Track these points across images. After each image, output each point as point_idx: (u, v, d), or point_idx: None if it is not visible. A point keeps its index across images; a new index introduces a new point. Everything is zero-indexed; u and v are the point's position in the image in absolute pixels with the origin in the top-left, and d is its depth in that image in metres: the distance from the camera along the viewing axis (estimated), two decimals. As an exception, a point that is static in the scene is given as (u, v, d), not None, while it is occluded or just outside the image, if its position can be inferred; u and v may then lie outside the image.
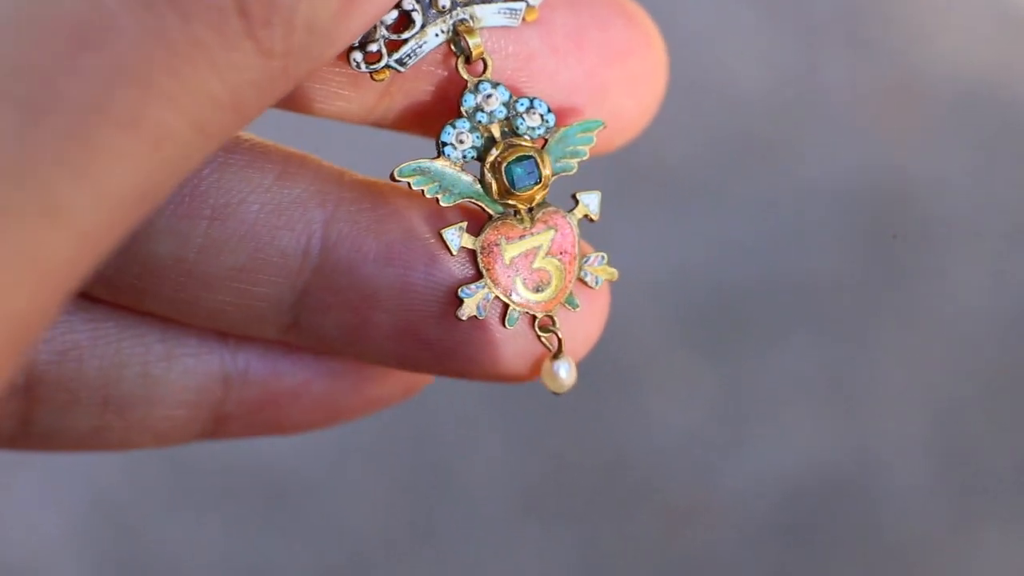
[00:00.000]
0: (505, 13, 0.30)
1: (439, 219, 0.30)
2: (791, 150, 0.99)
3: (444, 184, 0.30)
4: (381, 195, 0.31)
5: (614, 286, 0.32)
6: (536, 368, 0.32)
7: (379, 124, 0.31)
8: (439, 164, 0.30)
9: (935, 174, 0.98)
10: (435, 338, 0.31)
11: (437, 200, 0.30)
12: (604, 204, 0.32)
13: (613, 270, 0.32)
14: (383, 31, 0.29)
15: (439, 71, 0.31)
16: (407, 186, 0.30)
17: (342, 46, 0.26)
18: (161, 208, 0.29)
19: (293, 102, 0.30)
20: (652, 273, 0.92)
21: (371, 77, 0.29)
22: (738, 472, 0.88)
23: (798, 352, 0.92)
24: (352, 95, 0.30)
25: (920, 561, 0.86)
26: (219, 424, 0.33)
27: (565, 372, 0.31)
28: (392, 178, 0.29)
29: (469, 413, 0.88)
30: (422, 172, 0.29)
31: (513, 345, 0.31)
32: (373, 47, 0.29)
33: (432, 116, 0.31)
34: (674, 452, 0.89)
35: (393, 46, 0.29)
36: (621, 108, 0.32)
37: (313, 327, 0.31)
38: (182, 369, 0.32)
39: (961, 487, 0.89)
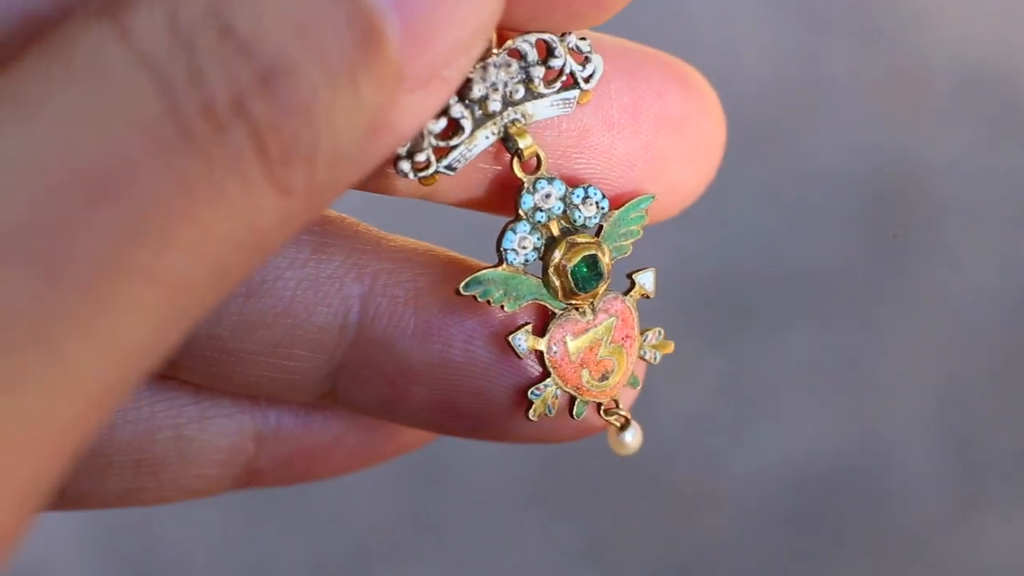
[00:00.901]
0: (559, 105, 0.29)
1: None
2: (795, 137, 0.98)
3: (509, 291, 0.29)
4: (420, 264, 0.30)
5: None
6: (583, 428, 0.32)
7: (428, 199, 0.30)
8: (502, 271, 0.29)
9: (940, 159, 0.98)
10: (474, 411, 0.30)
11: (502, 307, 0.29)
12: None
13: (670, 343, 0.32)
14: (431, 139, 0.27)
15: (492, 166, 0.30)
16: (473, 299, 0.29)
17: (368, 170, 0.24)
18: None
19: None
20: (657, 260, 0.91)
21: (420, 183, 0.28)
22: (744, 459, 0.88)
23: (804, 338, 0.91)
24: (400, 183, 0.29)
25: (927, 545, 0.86)
26: (251, 477, 0.33)
27: (631, 437, 0.32)
28: (457, 292, 0.29)
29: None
30: (486, 282, 0.29)
31: (565, 421, 0.31)
32: (421, 157, 0.28)
33: (485, 200, 0.30)
34: (679, 439, 0.89)
35: (441, 152, 0.28)
36: (680, 177, 0.31)
37: (349, 398, 0.31)
38: (215, 429, 0.32)
39: (968, 471, 0.88)
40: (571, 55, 0.29)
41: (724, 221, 0.95)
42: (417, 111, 0.25)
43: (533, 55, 0.28)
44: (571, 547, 0.87)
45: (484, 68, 0.28)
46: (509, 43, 0.28)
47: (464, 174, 0.29)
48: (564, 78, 0.29)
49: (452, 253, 0.31)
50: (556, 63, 0.28)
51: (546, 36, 0.28)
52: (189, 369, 0.31)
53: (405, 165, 0.28)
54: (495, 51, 0.28)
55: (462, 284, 0.28)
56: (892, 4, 1.04)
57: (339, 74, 0.22)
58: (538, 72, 0.28)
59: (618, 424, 0.31)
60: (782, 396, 0.90)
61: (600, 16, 0.28)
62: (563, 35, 0.28)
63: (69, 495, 0.32)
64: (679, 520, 0.87)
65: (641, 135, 0.30)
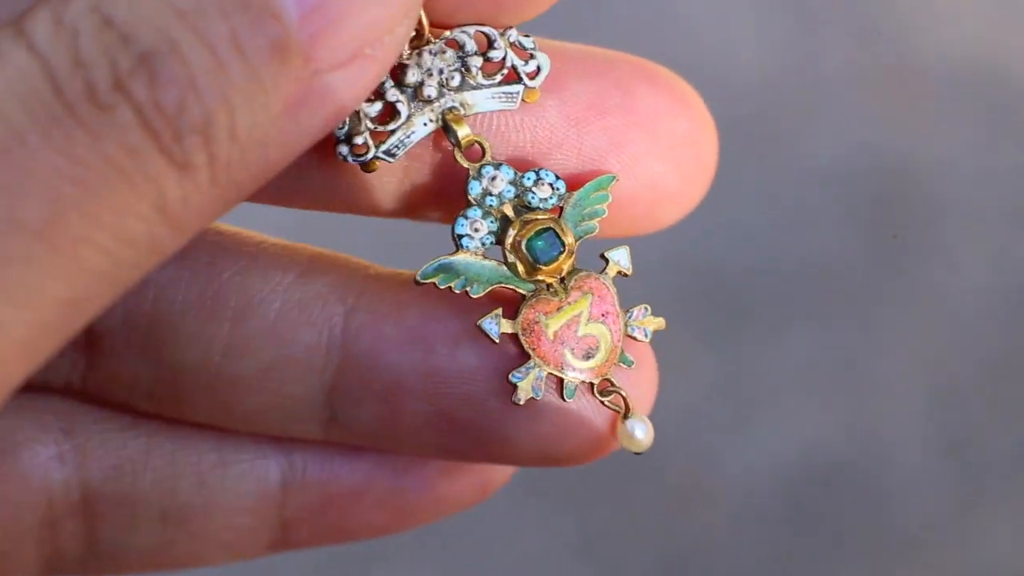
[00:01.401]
0: (500, 97, 0.29)
1: (463, 299, 0.30)
2: (792, 134, 0.99)
3: (470, 276, 0.29)
4: (401, 283, 0.31)
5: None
6: (596, 446, 0.31)
7: (395, 215, 0.31)
8: (460, 257, 0.29)
9: (937, 158, 0.98)
10: (469, 421, 0.30)
11: (467, 293, 0.29)
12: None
13: (660, 319, 0.31)
14: (367, 123, 0.28)
15: (438, 153, 0.30)
16: (433, 286, 0.29)
17: (294, 151, 0.25)
18: (184, 313, 0.30)
19: (288, 198, 0.30)
20: (654, 256, 0.92)
21: (362, 169, 0.29)
22: (741, 456, 0.88)
23: (802, 337, 0.92)
24: (377, 196, 0.30)
25: (923, 544, 0.87)
26: (287, 531, 0.33)
27: (642, 432, 0.31)
28: (416, 282, 0.29)
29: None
30: (445, 270, 0.29)
31: (563, 417, 0.31)
32: (359, 140, 0.28)
33: (444, 198, 0.30)
34: (676, 435, 0.89)
35: (379, 137, 0.28)
36: (655, 175, 0.31)
37: (350, 421, 0.31)
38: (237, 475, 0.33)
39: (964, 470, 0.88)
40: (513, 50, 0.29)
41: (722, 219, 0.95)
42: (343, 90, 0.25)
43: (471, 45, 0.28)
44: (569, 540, 0.87)
45: (419, 54, 0.28)
46: (447, 33, 0.28)
47: (413, 162, 0.29)
48: (505, 71, 0.29)
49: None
50: (495, 55, 0.29)
51: (486, 29, 0.29)
52: (192, 402, 0.31)
53: (343, 148, 0.28)
54: (433, 40, 0.28)
55: (419, 272, 0.29)
56: (889, 3, 1.05)
57: (225, 52, 0.24)
58: (475, 62, 0.29)
59: (618, 408, 0.31)
60: (780, 394, 0.90)
61: (528, 10, 0.28)
62: (504, 30, 0.29)
63: (103, 553, 0.33)
64: (676, 515, 0.88)
65: (609, 132, 0.30)
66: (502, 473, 0.34)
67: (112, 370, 0.32)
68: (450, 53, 0.28)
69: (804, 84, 1.00)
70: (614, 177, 0.30)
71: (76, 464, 0.32)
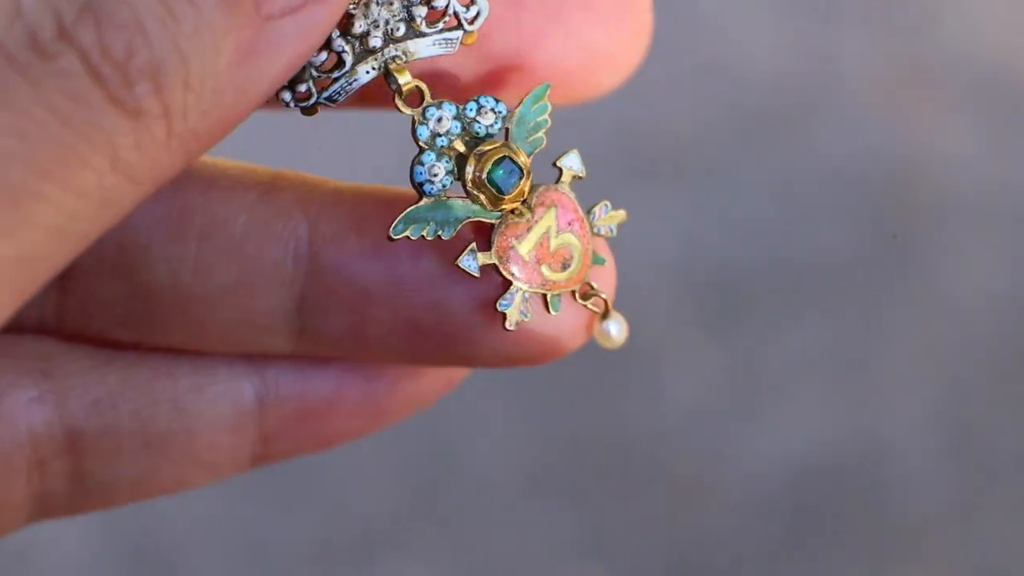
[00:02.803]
0: (441, 44, 0.30)
1: None
2: (804, 130, 0.98)
3: (438, 220, 0.29)
4: (365, 194, 0.31)
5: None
6: (562, 343, 0.32)
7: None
8: (425, 204, 0.30)
9: (948, 155, 0.97)
10: (437, 326, 0.31)
11: (439, 237, 0.30)
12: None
13: (621, 212, 0.32)
14: (312, 71, 0.29)
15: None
16: (407, 239, 0.29)
17: (252, 99, 0.26)
18: (151, 235, 0.31)
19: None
20: (663, 251, 0.92)
21: (303, 113, 0.29)
22: (746, 451, 0.88)
23: (808, 331, 0.91)
24: None
25: (928, 541, 0.86)
26: (267, 445, 0.34)
27: (616, 329, 0.32)
28: (389, 239, 0.29)
29: (474, 389, 0.88)
30: (413, 220, 0.29)
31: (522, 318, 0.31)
32: (302, 87, 0.29)
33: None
34: (682, 430, 0.89)
35: (322, 84, 0.29)
36: (593, 42, 0.31)
37: (320, 332, 0.32)
38: (213, 397, 0.33)
39: (970, 468, 0.88)
40: None
41: (730, 212, 0.95)
42: (297, 36, 0.26)
43: None
44: (573, 536, 0.87)
45: (367, 5, 0.29)
46: None
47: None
48: (448, 18, 0.29)
49: (398, 188, 0.32)
50: (439, 3, 0.29)
51: None
52: (166, 325, 0.32)
53: (286, 94, 0.29)
54: None
55: (391, 228, 0.29)
56: (905, 2, 1.04)
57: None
58: (420, 11, 0.29)
59: (599, 309, 0.31)
60: (784, 389, 0.90)
61: None
62: None
63: (91, 488, 0.33)
64: (680, 511, 0.88)
65: (545, 5, 0.31)
66: (460, 371, 0.34)
67: (85, 297, 0.32)
68: (396, 3, 0.29)
69: (816, 81, 1.00)
70: (548, 85, 0.30)
71: (56, 404, 0.32)
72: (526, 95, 0.30)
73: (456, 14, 0.29)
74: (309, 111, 0.29)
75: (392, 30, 0.29)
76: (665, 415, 0.89)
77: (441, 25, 0.29)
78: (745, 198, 0.95)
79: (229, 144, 0.31)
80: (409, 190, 0.30)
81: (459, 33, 0.30)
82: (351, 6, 0.29)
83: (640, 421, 0.89)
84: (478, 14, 0.30)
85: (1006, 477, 0.88)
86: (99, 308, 0.32)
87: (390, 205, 0.31)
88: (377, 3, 0.29)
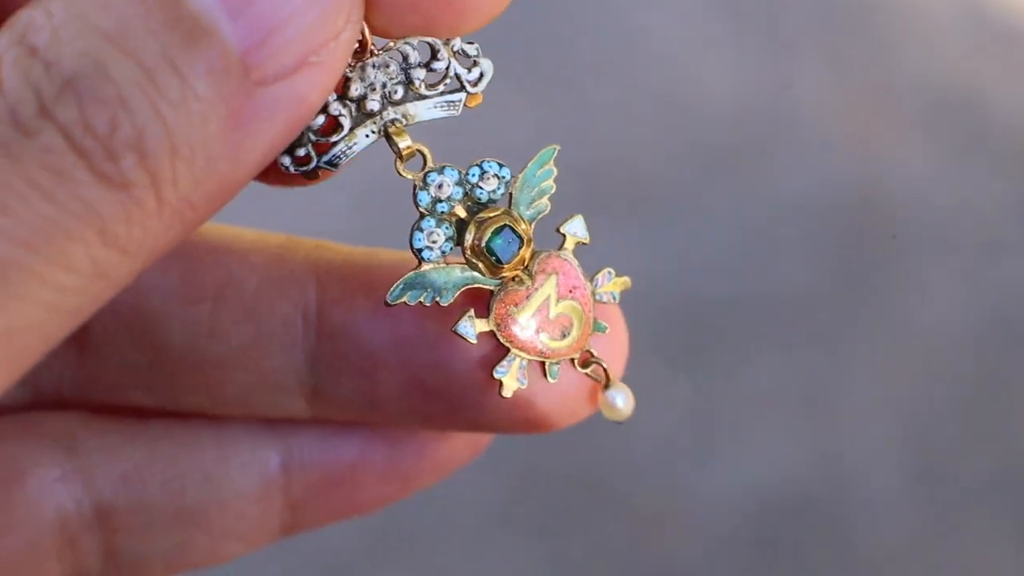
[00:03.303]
0: (443, 106, 0.29)
1: None
2: (764, 162, 0.99)
3: (437, 287, 0.29)
4: (372, 258, 0.32)
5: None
6: (570, 410, 0.32)
7: None
8: (423, 271, 0.29)
9: (908, 184, 0.98)
10: (441, 388, 0.31)
11: (437, 304, 0.29)
12: (576, 213, 0.31)
13: (625, 279, 0.32)
14: (310, 135, 0.28)
15: None
16: (403, 305, 0.29)
17: (248, 167, 0.25)
18: (166, 298, 0.31)
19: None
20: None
21: (304, 177, 0.29)
22: (709, 482, 0.89)
23: (770, 363, 0.92)
24: None
25: (891, 572, 0.87)
26: (296, 513, 0.34)
27: (623, 401, 0.32)
28: (386, 304, 0.29)
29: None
30: (412, 286, 0.29)
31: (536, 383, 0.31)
32: (301, 151, 0.28)
33: None
34: (646, 462, 0.89)
35: (321, 148, 0.28)
36: None
37: (333, 394, 0.32)
38: (239, 466, 0.33)
39: (933, 498, 0.89)
40: (456, 58, 0.29)
41: (692, 246, 0.95)
42: (292, 100, 0.25)
43: (415, 57, 0.29)
44: (537, 567, 0.87)
45: (363, 68, 0.28)
46: (391, 44, 0.28)
47: None
48: (448, 80, 0.29)
49: (406, 253, 0.32)
50: (439, 65, 0.29)
51: (430, 39, 0.29)
52: (185, 388, 0.32)
53: (286, 159, 0.28)
54: (377, 52, 0.28)
55: (388, 295, 0.29)
56: (861, 30, 1.05)
57: (157, 69, 0.23)
58: (419, 74, 0.29)
59: (600, 378, 0.31)
60: (750, 423, 0.91)
61: (470, 20, 0.28)
62: (448, 39, 0.29)
63: (124, 564, 0.33)
64: (644, 542, 0.88)
65: None
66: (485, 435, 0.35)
67: (105, 363, 0.33)
68: (393, 66, 0.29)
69: (775, 114, 1.01)
70: (555, 149, 0.30)
71: (83, 481, 0.33)
72: (531, 159, 0.30)
73: (458, 76, 0.29)
74: (310, 176, 0.29)
75: (390, 93, 0.29)
76: (629, 446, 0.89)
77: (442, 88, 0.29)
78: (705, 231, 0.96)
79: (242, 212, 0.31)
80: (408, 254, 0.30)
81: (462, 95, 0.29)
82: (347, 69, 0.28)
83: (604, 452, 0.89)
84: (481, 76, 0.29)
85: (969, 506, 0.88)
86: (119, 373, 0.33)
87: (397, 268, 0.31)
88: (374, 66, 0.28)
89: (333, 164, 0.29)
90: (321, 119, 0.28)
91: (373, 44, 0.28)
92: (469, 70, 0.29)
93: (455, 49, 0.29)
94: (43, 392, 0.33)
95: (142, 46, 0.24)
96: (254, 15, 0.24)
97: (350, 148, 0.29)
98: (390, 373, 0.31)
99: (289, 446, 0.34)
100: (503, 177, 0.30)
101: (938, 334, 0.93)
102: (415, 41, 0.29)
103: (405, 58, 0.29)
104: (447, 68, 0.29)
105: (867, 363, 0.92)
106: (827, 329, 0.94)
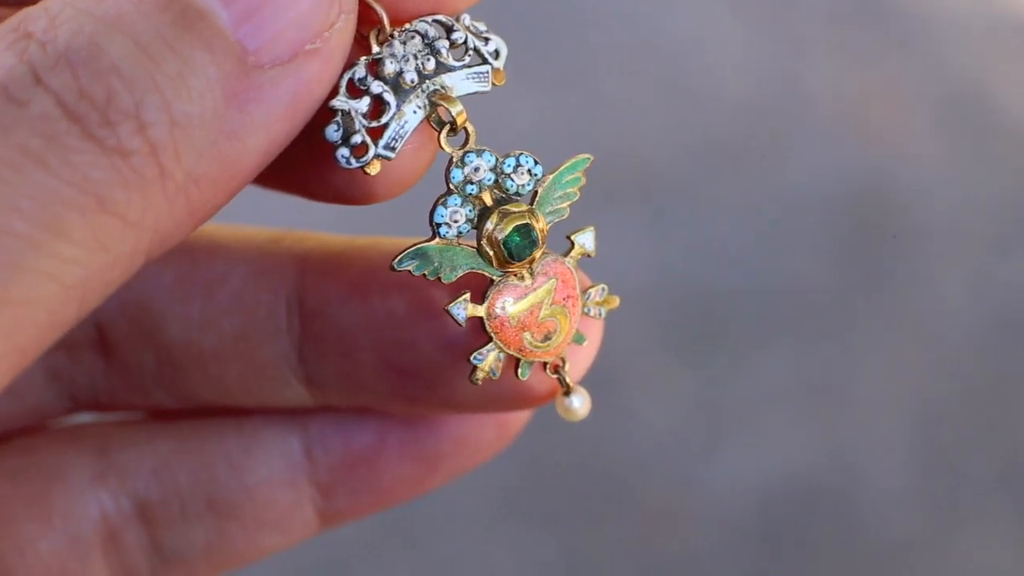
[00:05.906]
0: (474, 78, 0.29)
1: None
2: (774, 155, 0.99)
3: (443, 263, 0.29)
4: (349, 245, 0.33)
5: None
6: (536, 397, 0.32)
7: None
8: (435, 244, 0.29)
9: (918, 179, 0.98)
10: (412, 367, 0.32)
11: (439, 279, 0.29)
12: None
13: (615, 299, 0.32)
14: (361, 120, 0.28)
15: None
16: (407, 273, 0.29)
17: (251, 147, 0.25)
18: (163, 296, 0.33)
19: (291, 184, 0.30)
20: (634, 276, 0.92)
21: (363, 172, 0.28)
22: (717, 475, 0.89)
23: (778, 356, 0.92)
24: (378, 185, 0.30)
25: (898, 566, 0.87)
26: (327, 499, 0.35)
27: (579, 402, 0.32)
28: (391, 268, 0.29)
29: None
30: (420, 256, 0.29)
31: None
32: (356, 139, 0.28)
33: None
34: (654, 455, 0.89)
35: (375, 133, 0.28)
36: None
37: (322, 379, 0.33)
38: (263, 452, 0.34)
39: (940, 492, 0.89)
40: (470, 33, 0.29)
41: (699, 238, 0.95)
42: (291, 85, 0.25)
43: (432, 31, 0.29)
44: (546, 560, 0.87)
45: (390, 45, 0.28)
46: (407, 26, 0.29)
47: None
48: (471, 53, 0.29)
49: (386, 238, 0.33)
50: (457, 37, 0.29)
51: (441, 17, 0.29)
52: (192, 381, 0.33)
53: (344, 151, 0.28)
54: (394, 32, 0.29)
55: (395, 259, 0.29)
56: (873, 25, 1.05)
57: (153, 46, 0.24)
58: (443, 44, 0.29)
59: (563, 387, 0.32)
60: (757, 414, 0.91)
61: (454, 3, 0.29)
62: (456, 16, 0.29)
63: (168, 557, 0.34)
64: (652, 535, 0.88)
65: None
66: (517, 418, 0.35)
67: (124, 368, 0.34)
68: (417, 39, 0.29)
69: (786, 106, 1.01)
70: (589, 159, 0.30)
71: (117, 478, 0.34)
72: (564, 164, 0.30)
73: (476, 49, 0.29)
74: (367, 168, 0.28)
75: (422, 64, 0.29)
76: (637, 439, 0.89)
77: (467, 59, 0.29)
78: (715, 223, 0.96)
79: (243, 212, 0.31)
80: (385, 239, 0.31)
81: (487, 68, 0.29)
82: (376, 49, 0.28)
83: (612, 445, 0.89)
84: (498, 51, 0.30)
85: (976, 499, 0.88)
86: (139, 375, 0.34)
87: (367, 251, 0.32)
88: (400, 41, 0.29)
89: (391, 148, 0.28)
90: (366, 101, 0.28)
91: (390, 27, 0.29)
92: (486, 43, 0.29)
93: (466, 24, 0.29)
94: (80, 403, 0.34)
95: (138, 27, 0.24)
96: (243, 1, 0.25)
97: (402, 127, 0.28)
98: (366, 353, 0.32)
99: (308, 432, 0.34)
100: (535, 174, 0.30)
101: (947, 328, 0.93)
102: (428, 19, 0.29)
103: (424, 35, 0.29)
104: (465, 40, 0.29)
105: (876, 357, 0.92)
106: (837, 322, 0.94)
